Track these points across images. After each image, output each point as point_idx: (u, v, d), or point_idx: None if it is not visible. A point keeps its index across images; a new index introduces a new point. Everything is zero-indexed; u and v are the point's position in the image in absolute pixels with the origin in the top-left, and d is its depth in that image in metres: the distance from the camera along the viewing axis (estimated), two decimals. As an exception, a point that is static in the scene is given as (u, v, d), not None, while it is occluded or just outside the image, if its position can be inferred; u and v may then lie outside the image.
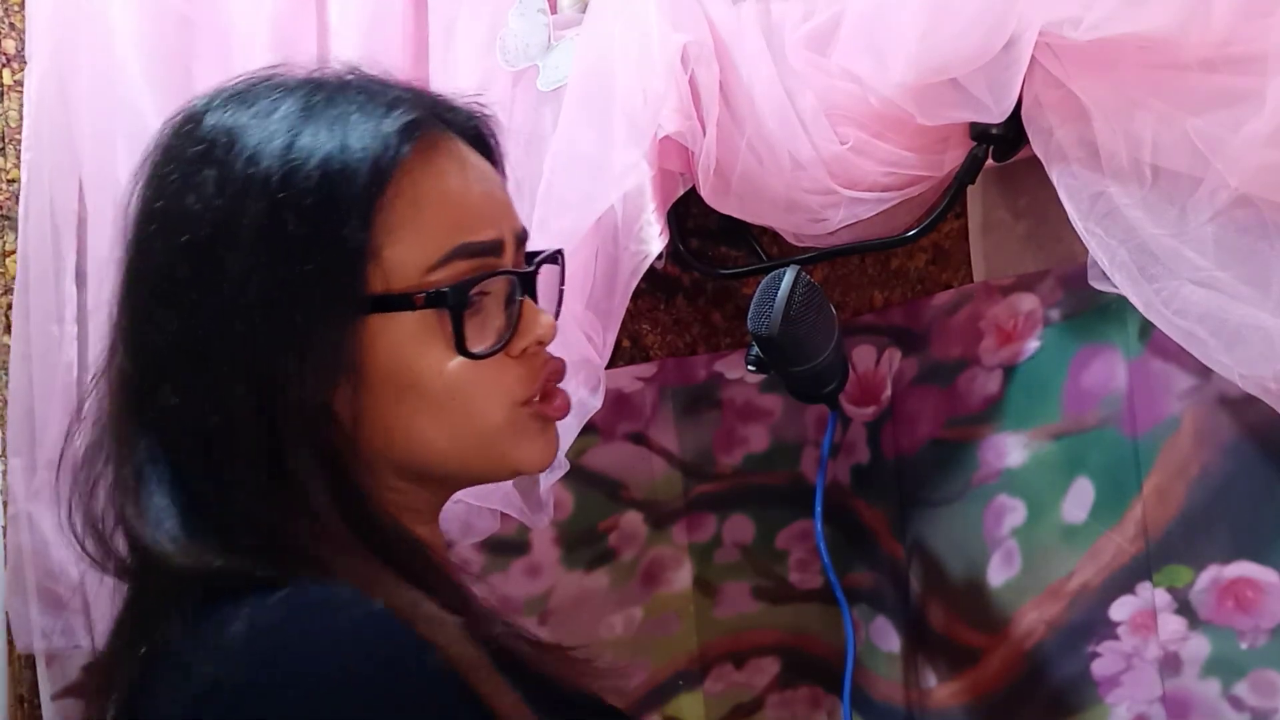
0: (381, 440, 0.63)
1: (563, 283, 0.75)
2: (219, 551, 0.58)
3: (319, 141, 0.59)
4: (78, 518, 0.63)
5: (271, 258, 0.58)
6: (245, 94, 0.63)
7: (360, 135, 0.60)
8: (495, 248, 0.65)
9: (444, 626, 0.56)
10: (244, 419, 0.59)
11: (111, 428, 0.63)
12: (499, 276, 0.64)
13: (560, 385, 0.69)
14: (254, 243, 0.58)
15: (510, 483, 0.97)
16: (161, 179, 0.62)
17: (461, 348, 0.62)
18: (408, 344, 0.61)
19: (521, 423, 0.65)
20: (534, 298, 0.68)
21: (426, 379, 0.62)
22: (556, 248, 0.73)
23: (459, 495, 0.96)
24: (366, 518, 0.62)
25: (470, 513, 0.99)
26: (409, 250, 0.61)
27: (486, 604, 0.65)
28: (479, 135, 0.70)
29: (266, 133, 0.60)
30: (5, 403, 1.05)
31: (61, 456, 0.66)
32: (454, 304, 0.61)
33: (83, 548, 0.63)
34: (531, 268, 0.69)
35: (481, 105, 0.71)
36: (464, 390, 0.63)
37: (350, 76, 0.65)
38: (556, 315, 0.71)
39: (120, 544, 0.62)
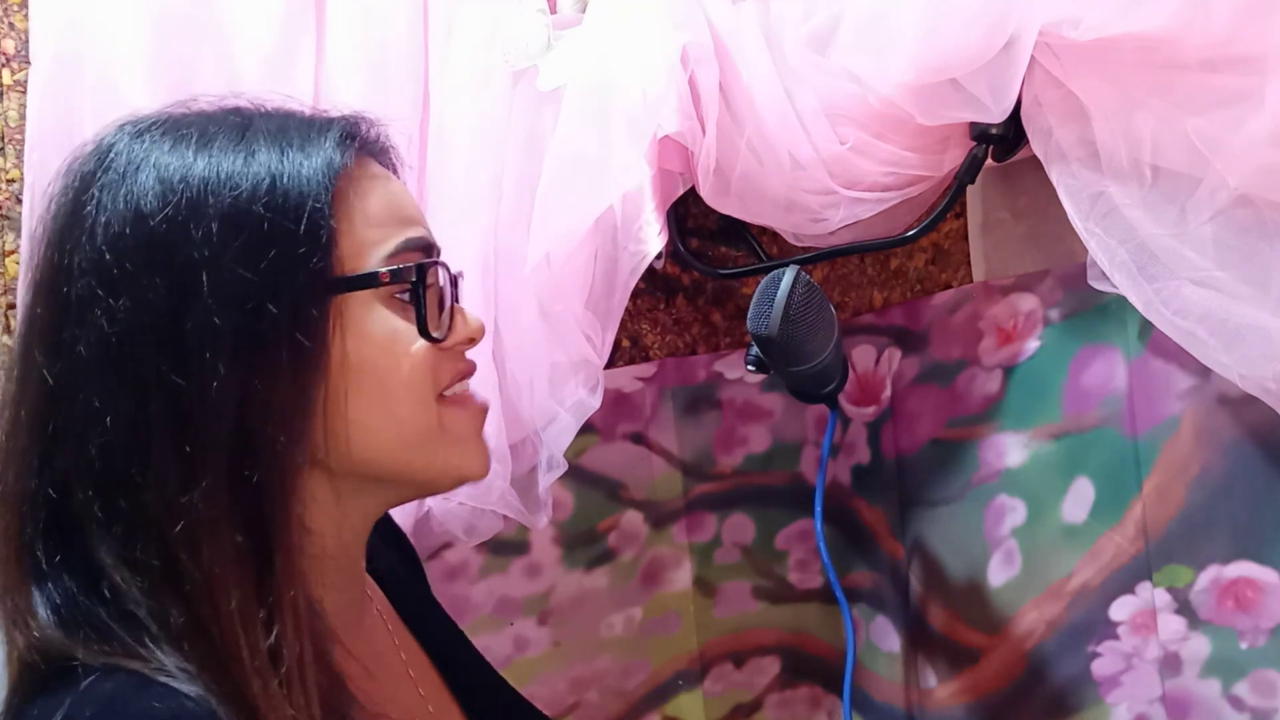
0: (339, 442, 0.63)
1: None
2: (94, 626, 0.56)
3: (269, 148, 0.62)
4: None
5: (242, 249, 0.59)
6: (166, 119, 0.65)
7: (305, 141, 0.63)
8: (430, 246, 0.68)
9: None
10: (216, 419, 0.58)
11: (12, 453, 0.61)
12: (438, 272, 0.68)
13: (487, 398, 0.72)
14: (223, 236, 0.59)
15: (508, 483, 0.97)
16: (80, 191, 0.62)
17: (423, 325, 0.64)
18: (373, 327, 0.63)
19: (450, 420, 0.67)
20: (457, 301, 0.71)
21: (384, 363, 0.63)
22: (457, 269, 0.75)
23: (460, 498, 0.96)
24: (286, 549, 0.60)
25: (474, 514, 0.99)
26: (363, 241, 0.64)
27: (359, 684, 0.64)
28: (388, 158, 0.73)
29: (212, 146, 0.62)
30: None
31: None
32: (417, 279, 0.65)
33: None
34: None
35: (384, 125, 0.72)
36: (413, 377, 0.64)
37: (270, 103, 0.68)
38: None
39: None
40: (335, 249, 0.62)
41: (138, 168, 0.61)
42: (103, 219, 0.60)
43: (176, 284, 0.58)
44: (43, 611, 0.57)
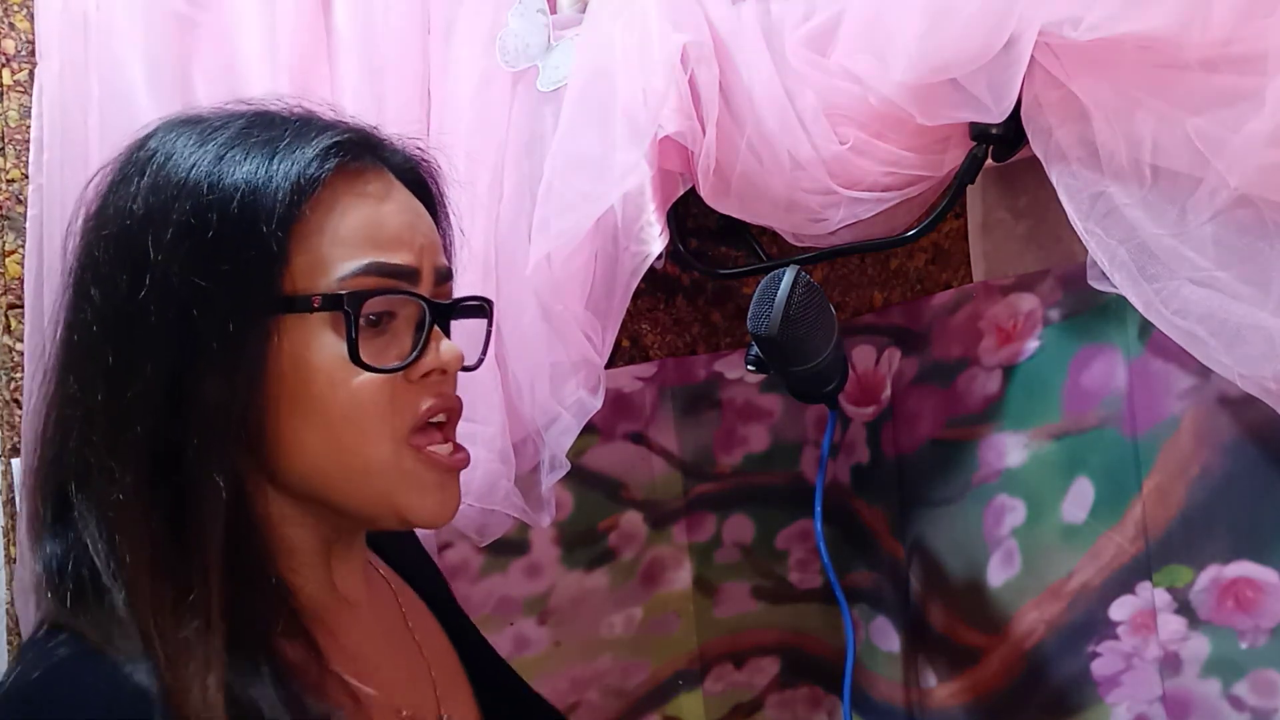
0: (276, 456, 0.63)
1: (489, 333, 0.76)
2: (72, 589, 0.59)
3: (249, 156, 0.62)
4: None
5: (191, 255, 0.60)
6: (194, 118, 0.66)
7: (288, 151, 0.63)
8: (409, 273, 0.65)
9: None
10: (142, 415, 0.60)
11: (42, 427, 0.65)
12: (410, 301, 0.65)
13: (462, 442, 0.69)
14: (176, 240, 0.60)
15: (510, 482, 0.97)
16: (104, 185, 0.65)
17: (354, 353, 0.62)
18: (313, 350, 0.62)
19: (412, 467, 0.65)
20: (447, 333, 0.69)
21: (323, 388, 0.62)
22: (485, 297, 0.74)
23: (468, 499, 0.96)
24: (246, 545, 0.62)
25: (484, 514, 0.99)
26: (323, 261, 0.62)
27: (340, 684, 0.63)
28: (417, 177, 0.72)
29: (203, 149, 0.63)
30: (5, 403, 1.05)
31: None
32: (349, 308, 0.62)
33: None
34: (447, 302, 0.70)
35: (421, 149, 0.72)
36: (357, 408, 0.63)
37: (297, 109, 0.68)
38: (479, 362, 0.73)
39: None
40: (287, 266, 0.61)
41: (142, 170, 0.63)
42: (109, 214, 0.63)
43: (133, 281, 0.60)
44: (42, 569, 0.61)
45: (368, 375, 0.63)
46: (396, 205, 0.67)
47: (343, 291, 0.62)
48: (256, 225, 0.60)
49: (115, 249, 0.62)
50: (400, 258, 0.65)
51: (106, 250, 0.62)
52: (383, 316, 0.64)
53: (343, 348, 0.62)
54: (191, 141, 0.63)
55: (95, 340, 0.61)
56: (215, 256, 0.60)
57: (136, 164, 0.63)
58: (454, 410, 0.68)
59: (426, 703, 0.72)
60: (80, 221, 0.65)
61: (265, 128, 0.64)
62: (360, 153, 0.66)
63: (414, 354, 0.64)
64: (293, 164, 0.62)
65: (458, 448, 0.68)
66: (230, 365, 0.60)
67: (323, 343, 0.62)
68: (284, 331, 0.61)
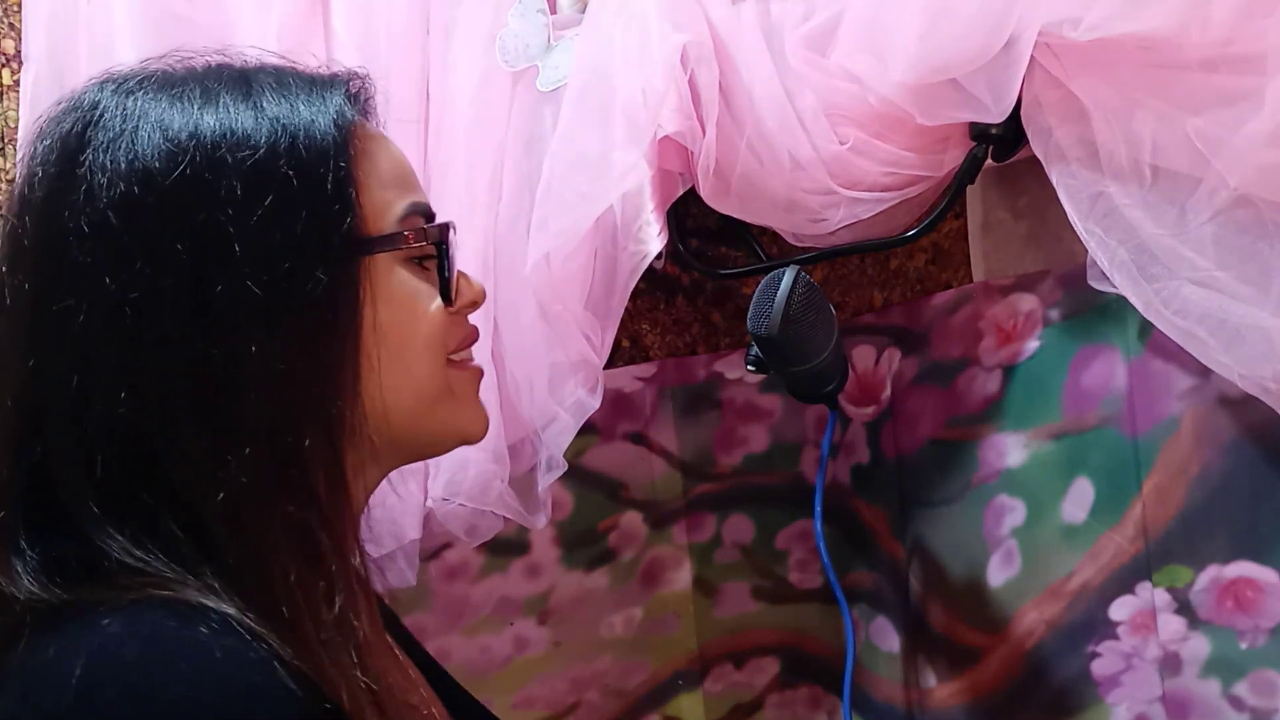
0: (373, 400, 0.61)
1: None
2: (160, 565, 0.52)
3: (280, 105, 0.59)
4: None
5: (268, 212, 0.56)
6: (164, 75, 0.61)
7: (314, 98, 0.61)
8: (432, 213, 0.67)
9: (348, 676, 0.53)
10: (243, 394, 0.55)
11: None
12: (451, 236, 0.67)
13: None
14: (245, 197, 0.56)
15: (506, 483, 0.97)
16: (87, 153, 0.57)
17: (445, 290, 0.64)
18: (391, 288, 0.62)
19: (457, 382, 0.67)
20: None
21: (404, 323, 0.62)
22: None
23: (459, 498, 0.96)
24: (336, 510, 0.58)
25: (475, 514, 0.99)
26: (380, 202, 0.63)
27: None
28: (374, 113, 0.71)
29: (219, 103, 0.58)
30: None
31: None
32: (442, 243, 0.64)
33: None
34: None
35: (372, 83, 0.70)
36: (433, 339, 0.64)
37: (258, 60, 0.65)
38: None
39: None
40: (360, 209, 0.60)
41: (136, 125, 0.57)
42: (102, 180, 0.55)
43: (200, 248, 0.55)
44: (29, 578, 0.52)
45: (435, 307, 0.64)
46: (395, 144, 0.67)
47: (403, 231, 0.63)
48: (326, 171, 0.58)
49: (154, 216, 0.55)
50: (423, 197, 0.67)
51: (136, 219, 0.55)
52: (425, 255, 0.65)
53: (415, 283, 0.63)
54: (190, 96, 0.58)
55: (147, 320, 0.54)
56: (296, 207, 0.56)
57: (120, 125, 0.57)
58: (474, 339, 0.71)
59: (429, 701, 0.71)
60: (39, 199, 0.56)
61: (263, 74, 0.61)
62: (358, 96, 0.66)
63: (456, 286, 0.66)
64: (328, 107, 0.60)
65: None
66: (337, 318, 0.58)
67: (400, 279, 0.63)
68: (371, 274, 0.61)
